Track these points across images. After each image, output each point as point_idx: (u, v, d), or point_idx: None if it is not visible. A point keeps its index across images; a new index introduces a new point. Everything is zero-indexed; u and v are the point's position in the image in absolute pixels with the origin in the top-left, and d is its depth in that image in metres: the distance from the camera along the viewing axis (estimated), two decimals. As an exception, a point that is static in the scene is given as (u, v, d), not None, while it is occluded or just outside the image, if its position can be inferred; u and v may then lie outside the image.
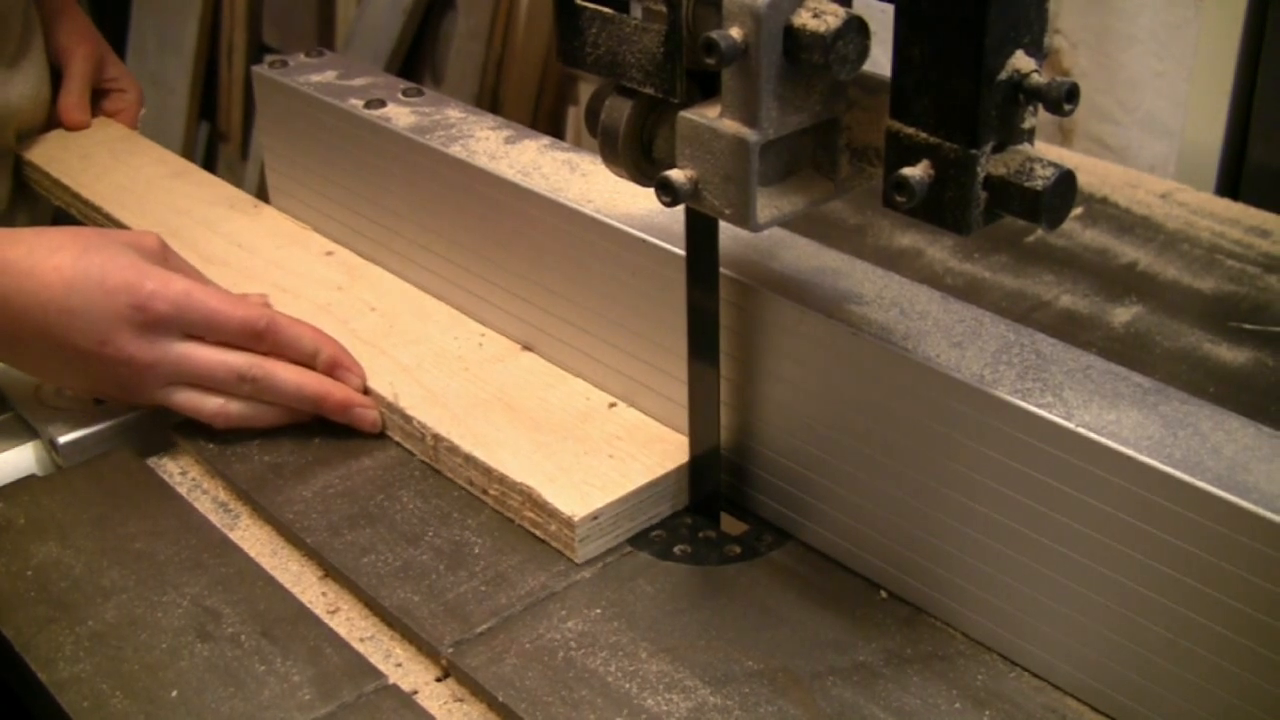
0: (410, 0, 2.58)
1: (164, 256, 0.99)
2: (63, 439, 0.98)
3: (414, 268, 1.14)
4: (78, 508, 0.93)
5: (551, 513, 0.87)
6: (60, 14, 1.47)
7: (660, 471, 0.90)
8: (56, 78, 1.46)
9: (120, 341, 0.94)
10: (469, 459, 0.92)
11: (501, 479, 0.90)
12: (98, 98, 1.48)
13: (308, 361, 0.99)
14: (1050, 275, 1.14)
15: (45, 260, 0.93)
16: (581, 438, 0.94)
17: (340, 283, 1.15)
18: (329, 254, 1.20)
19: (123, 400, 0.99)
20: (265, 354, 0.98)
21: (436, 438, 0.95)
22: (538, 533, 0.88)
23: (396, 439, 0.99)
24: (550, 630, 0.81)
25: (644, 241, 0.91)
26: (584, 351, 1.00)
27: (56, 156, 1.39)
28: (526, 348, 1.05)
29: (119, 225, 1.25)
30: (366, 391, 1.00)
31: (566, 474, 0.90)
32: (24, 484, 0.96)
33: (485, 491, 0.92)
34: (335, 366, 0.99)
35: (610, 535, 0.87)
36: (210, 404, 0.97)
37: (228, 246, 1.21)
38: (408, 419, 0.97)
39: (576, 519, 0.85)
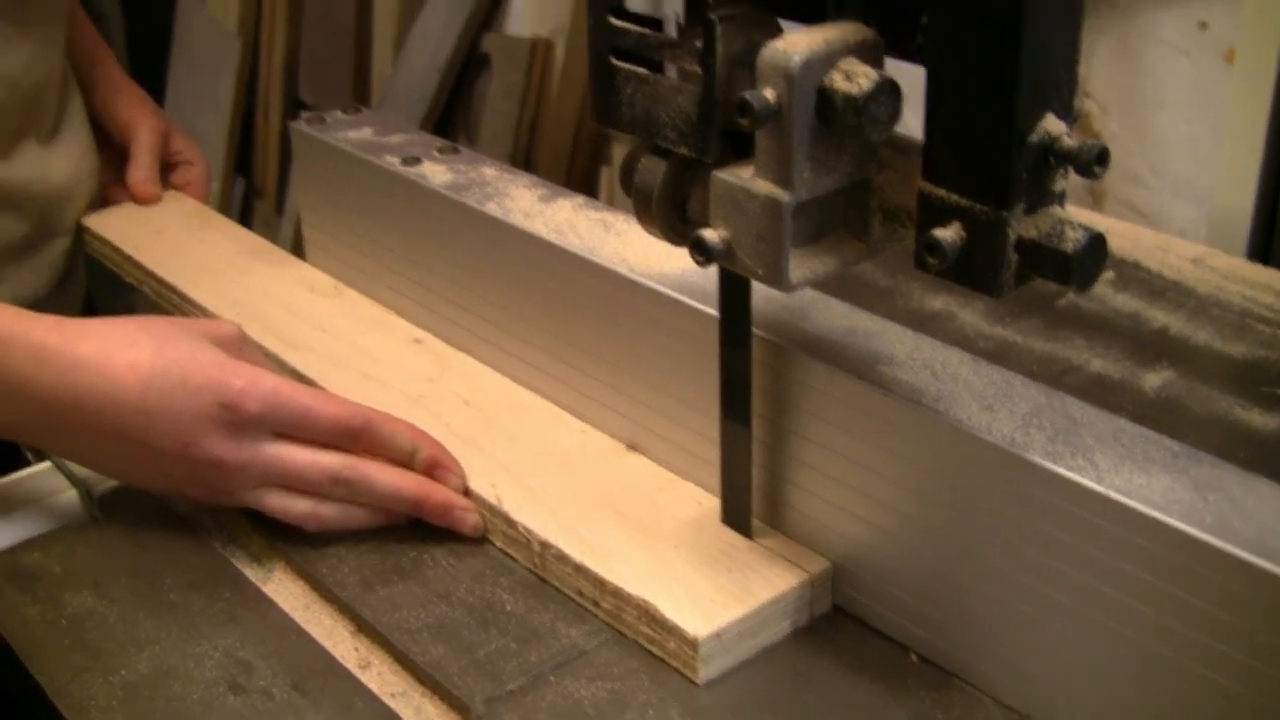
0: (445, 59, 2.60)
1: (242, 348, 0.96)
2: (100, 490, 0.99)
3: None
4: (113, 558, 0.94)
5: (671, 629, 0.82)
6: (118, 89, 1.46)
7: (784, 587, 0.85)
8: (110, 148, 1.45)
9: (207, 443, 0.90)
10: (580, 569, 0.88)
11: (616, 592, 0.85)
12: (165, 171, 1.46)
13: (405, 461, 0.94)
14: (1081, 339, 1.14)
15: (119, 357, 0.90)
16: (695, 546, 0.89)
17: (430, 372, 1.11)
18: (417, 341, 1.16)
19: (206, 502, 0.95)
20: (360, 453, 0.93)
21: (544, 544, 0.90)
22: (654, 649, 0.84)
23: (498, 544, 0.94)
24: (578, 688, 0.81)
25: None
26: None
27: (128, 231, 1.36)
28: (632, 446, 1.00)
29: (194, 304, 1.22)
30: (467, 493, 0.95)
31: (685, 588, 0.85)
32: (61, 534, 0.97)
33: (597, 604, 0.87)
34: (434, 466, 0.94)
35: (733, 653, 0.83)
36: (301, 506, 0.92)
37: (310, 331, 1.18)
38: (512, 523, 0.92)
39: (701, 637, 0.81)
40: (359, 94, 2.87)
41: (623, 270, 0.96)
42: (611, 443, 1.01)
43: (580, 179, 2.43)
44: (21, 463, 1.05)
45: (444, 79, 2.61)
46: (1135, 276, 1.25)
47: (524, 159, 2.48)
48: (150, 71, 3.21)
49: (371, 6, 2.84)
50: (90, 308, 1.41)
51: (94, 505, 0.98)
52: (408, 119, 2.58)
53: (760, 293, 0.83)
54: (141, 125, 1.44)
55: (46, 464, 1.03)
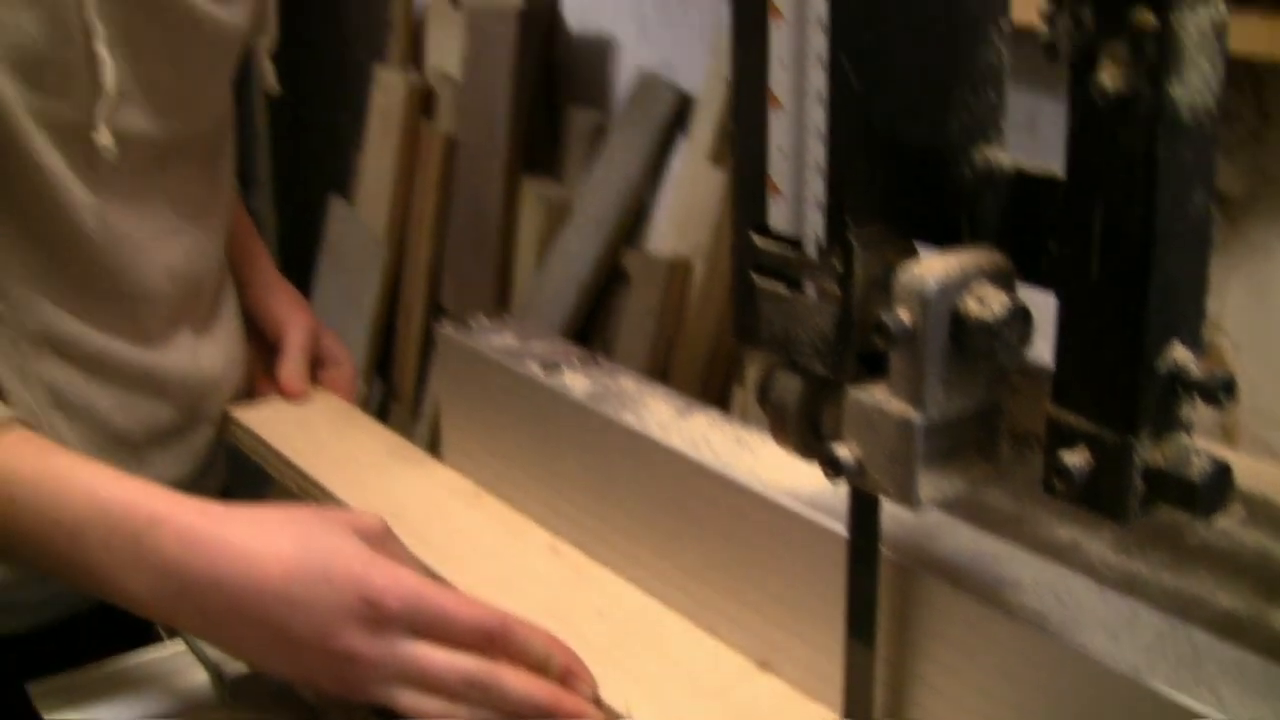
0: (586, 274, 2.66)
1: (384, 542, 0.98)
2: (231, 674, 1.00)
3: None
4: (242, 744, 0.95)
5: None
6: (272, 286, 1.51)
7: None
8: (259, 342, 1.49)
9: (345, 637, 0.90)
10: None
11: None
12: (313, 369, 1.48)
13: (539, 667, 0.94)
14: (1209, 575, 1.14)
15: (265, 545, 0.92)
16: None
17: (566, 581, 1.12)
18: (553, 549, 1.18)
19: (337, 693, 0.95)
20: (495, 657, 0.93)
21: None
22: None
23: None
24: None
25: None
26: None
27: (275, 425, 1.38)
28: (763, 664, 1.00)
29: (337, 501, 1.24)
30: (598, 703, 0.95)
31: None
32: (190, 715, 0.98)
33: None
34: (568, 674, 0.94)
35: None
36: (434, 706, 0.92)
37: (449, 535, 1.19)
38: None
39: None
40: (500, 303, 2.93)
41: (755, 486, 0.98)
42: (742, 660, 1.01)
43: (714, 398, 2.45)
44: (154, 640, 1.07)
45: (584, 293, 2.67)
46: (1266, 514, 1.24)
47: (660, 375, 2.50)
48: (298, 270, 3.30)
49: (516, 219, 2.92)
50: (226, 497, 1.43)
51: (225, 689, 1.00)
52: (548, 329, 2.63)
53: (888, 513, 0.84)
54: (294, 323, 1.48)
55: (179, 643, 1.05)
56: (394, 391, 3.28)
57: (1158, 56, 0.61)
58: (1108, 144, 0.64)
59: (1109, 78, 0.62)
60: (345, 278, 3.38)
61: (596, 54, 2.86)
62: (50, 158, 1.10)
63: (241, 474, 1.44)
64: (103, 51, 1.09)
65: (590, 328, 2.70)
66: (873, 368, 0.77)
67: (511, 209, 2.92)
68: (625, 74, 2.78)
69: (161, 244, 1.24)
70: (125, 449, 1.24)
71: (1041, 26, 0.65)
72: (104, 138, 1.11)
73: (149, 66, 1.15)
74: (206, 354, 1.37)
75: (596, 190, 2.71)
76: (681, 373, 2.47)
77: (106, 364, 1.21)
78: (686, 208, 2.51)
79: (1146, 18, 0.61)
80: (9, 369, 1.14)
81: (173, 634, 1.06)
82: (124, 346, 1.23)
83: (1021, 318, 0.71)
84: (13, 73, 1.06)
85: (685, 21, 2.61)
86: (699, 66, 2.54)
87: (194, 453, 1.37)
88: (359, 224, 3.36)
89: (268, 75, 1.40)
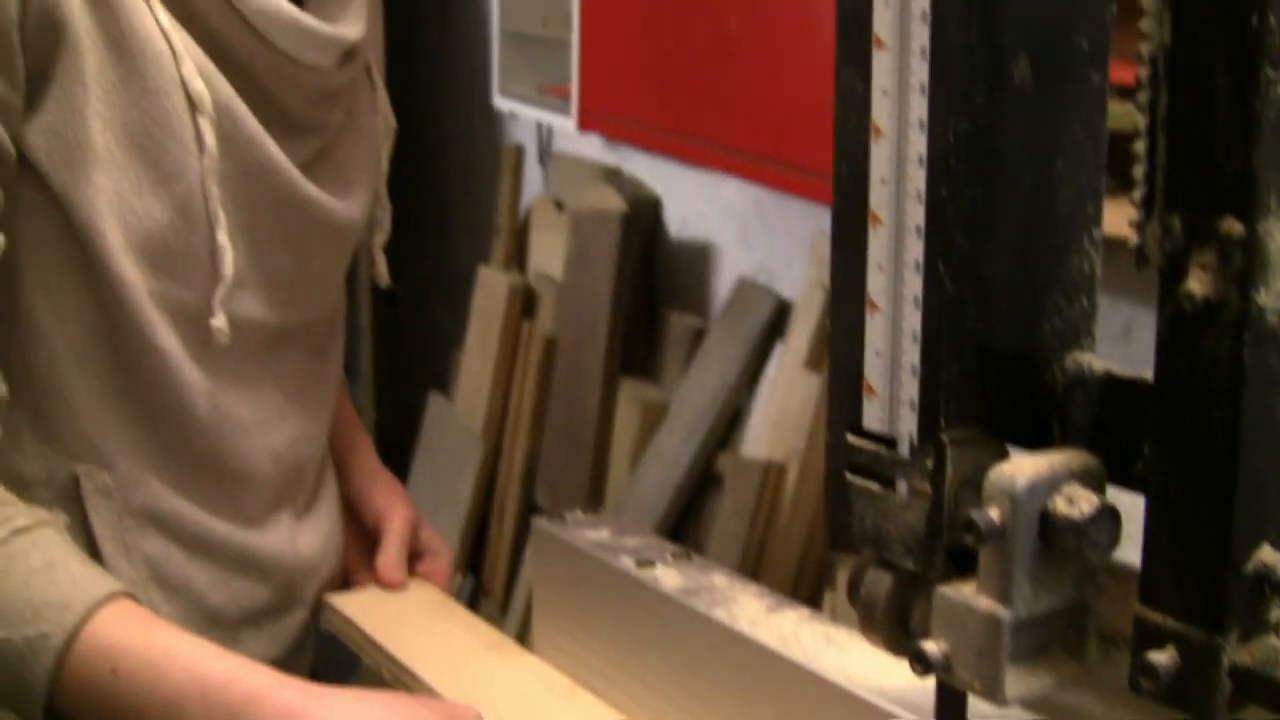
0: (681, 477, 2.68)
1: None
2: None
3: None
4: None
5: None
6: (373, 476, 1.53)
7: None
8: (357, 530, 1.51)
9: None
10: None
11: None
12: (411, 559, 1.49)
13: None
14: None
15: None
16: None
17: None
18: None
19: None
20: None
21: None
22: None
23: None
24: None
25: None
26: None
27: (371, 613, 1.39)
28: None
29: (432, 691, 1.24)
30: None
31: None
32: None
33: None
34: None
35: None
36: None
37: None
38: None
39: None
40: (594, 501, 2.95)
41: (843, 682, 0.98)
42: None
43: (805, 602, 2.44)
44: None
45: (677, 494, 2.68)
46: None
47: (751, 577, 2.49)
48: (394, 464, 3.32)
49: (613, 419, 2.95)
50: (313, 679, 1.44)
51: None
52: (642, 524, 2.64)
53: (975, 710, 0.84)
54: (393, 514, 1.50)
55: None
56: (483, 587, 3.29)
57: (1244, 264, 0.63)
58: (1196, 349, 0.66)
59: (1197, 284, 0.64)
60: (441, 473, 3.42)
61: (697, 259, 2.91)
62: (167, 340, 1.14)
63: (329, 657, 1.45)
64: (224, 240, 1.13)
65: (683, 529, 2.71)
66: (962, 565, 0.78)
67: (608, 410, 2.96)
68: (724, 279, 2.83)
69: (268, 428, 1.27)
70: (220, 627, 1.26)
71: (1132, 236, 0.68)
72: (220, 322, 1.15)
73: (267, 256, 1.19)
74: (305, 538, 1.39)
75: (693, 393, 2.74)
76: (772, 576, 2.47)
77: (206, 542, 1.24)
78: (781, 412, 2.53)
79: (1234, 226, 0.63)
80: (112, 541, 1.17)
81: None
82: (225, 526, 1.26)
83: (1110, 518, 0.72)
84: (139, 257, 1.10)
85: (785, 229, 2.66)
86: (797, 273, 2.58)
87: (287, 634, 1.39)
88: (457, 420, 3.40)
89: (381, 270, 1.44)
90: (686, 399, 2.76)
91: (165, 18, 1.08)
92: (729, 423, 2.69)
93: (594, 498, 2.96)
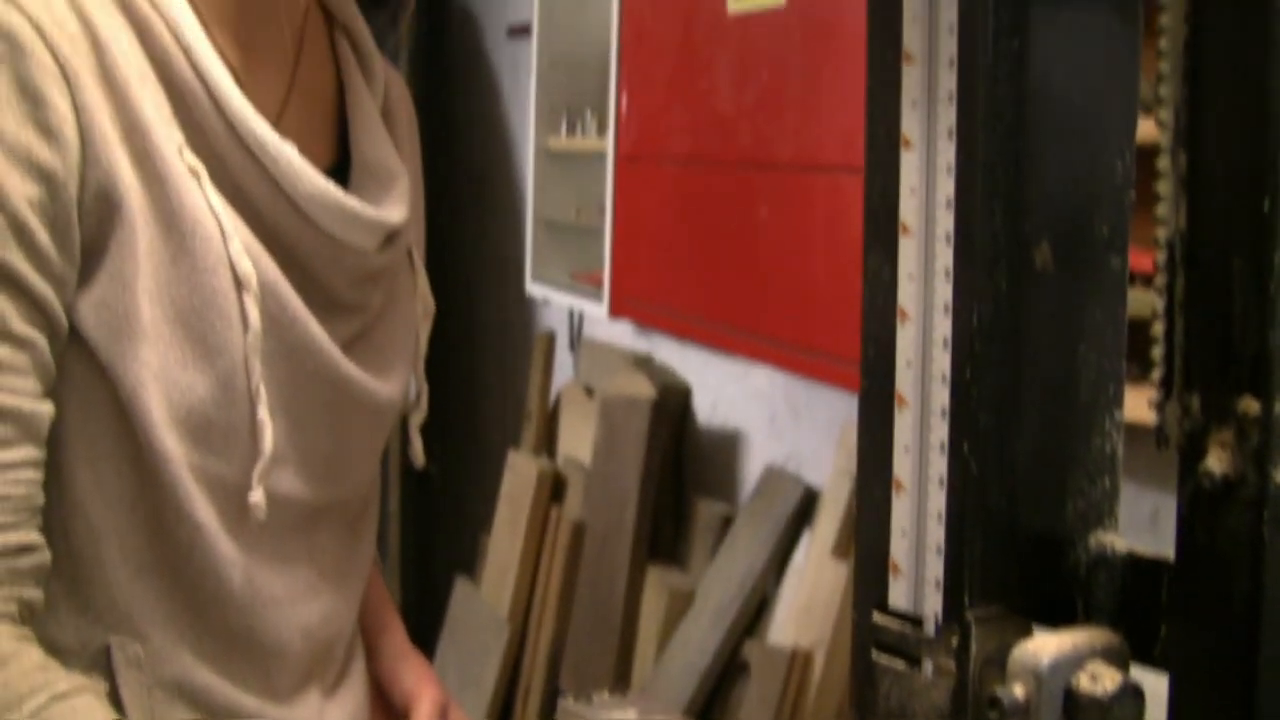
0: (707, 664, 2.66)
1: None
2: None
3: None
4: None
5: None
6: (404, 657, 1.52)
7: None
8: (383, 707, 1.51)
9: None
10: None
11: None
12: None
13: None
14: None
15: None
16: None
17: None
18: None
19: None
20: None
21: None
22: None
23: None
24: None
25: None
26: None
27: None
28: None
29: None
30: None
31: None
32: None
33: None
34: None
35: None
36: None
37: None
38: None
39: None
40: (618, 687, 2.94)
41: None
42: None
43: (830, 791, 2.43)
44: None
45: (704, 681, 2.67)
46: None
47: (775, 765, 2.49)
48: (419, 646, 3.32)
49: (639, 605, 2.94)
50: None
51: None
52: (668, 707, 2.62)
53: None
54: (424, 696, 1.49)
55: None
56: (509, 777, 3.27)
57: (1262, 442, 0.65)
58: (1215, 526, 0.67)
59: (1216, 462, 0.66)
60: (466, 656, 3.41)
61: (725, 446, 2.93)
62: (205, 513, 1.16)
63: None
64: (265, 416, 1.15)
65: (709, 716, 2.69)
66: (986, 745, 0.78)
67: (635, 595, 2.95)
68: (753, 466, 2.84)
69: (300, 604, 1.28)
70: (244, 801, 1.26)
71: (1152, 416, 0.69)
72: (258, 497, 1.16)
73: (307, 433, 1.21)
74: (333, 715, 1.38)
75: (720, 580, 2.74)
76: (798, 766, 2.45)
77: (234, 716, 1.24)
78: (808, 600, 2.53)
79: (1251, 405, 0.64)
80: (141, 712, 1.17)
81: None
82: (254, 701, 1.26)
83: (1134, 695, 0.72)
84: (180, 430, 1.12)
85: (813, 417, 2.67)
86: (825, 461, 2.59)
87: (313, 811, 1.39)
88: (483, 604, 3.40)
89: (416, 449, 1.45)
90: (714, 585, 2.75)
91: (215, 197, 1.11)
92: (756, 610, 2.68)
93: (619, 683, 2.94)
